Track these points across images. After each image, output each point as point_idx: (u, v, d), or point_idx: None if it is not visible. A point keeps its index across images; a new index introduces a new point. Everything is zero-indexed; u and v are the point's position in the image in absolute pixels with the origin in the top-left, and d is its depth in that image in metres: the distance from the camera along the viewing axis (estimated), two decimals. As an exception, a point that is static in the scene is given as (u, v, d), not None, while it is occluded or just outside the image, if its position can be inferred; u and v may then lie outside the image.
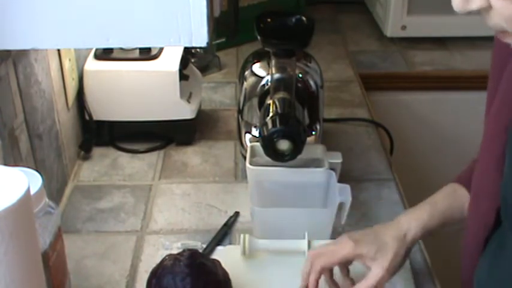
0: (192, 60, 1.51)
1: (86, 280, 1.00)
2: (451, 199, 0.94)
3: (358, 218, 1.14)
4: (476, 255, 0.84)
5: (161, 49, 1.33)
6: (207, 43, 0.79)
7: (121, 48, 1.30)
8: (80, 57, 1.31)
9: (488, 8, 0.60)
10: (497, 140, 0.79)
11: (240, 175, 1.27)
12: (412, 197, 1.25)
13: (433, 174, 1.83)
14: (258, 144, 1.08)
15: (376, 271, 0.89)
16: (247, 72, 1.21)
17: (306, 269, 0.92)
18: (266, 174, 1.08)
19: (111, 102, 1.31)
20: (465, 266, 0.88)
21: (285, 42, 1.12)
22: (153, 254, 1.05)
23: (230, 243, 1.08)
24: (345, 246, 0.91)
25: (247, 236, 1.01)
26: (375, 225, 0.96)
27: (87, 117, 1.31)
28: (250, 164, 1.09)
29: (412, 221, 0.93)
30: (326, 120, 1.33)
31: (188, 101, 1.34)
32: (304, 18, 1.14)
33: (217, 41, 1.75)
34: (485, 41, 1.90)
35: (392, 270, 0.90)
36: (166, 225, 1.13)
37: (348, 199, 1.01)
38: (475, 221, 0.85)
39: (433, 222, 0.93)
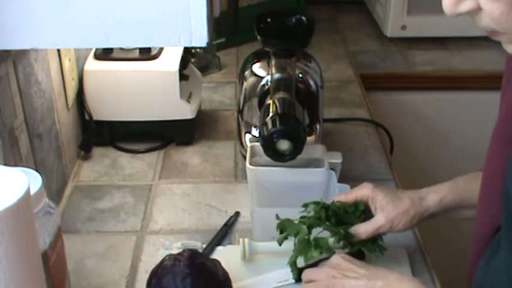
0: (192, 60, 1.51)
1: (85, 280, 1.00)
2: (472, 184, 0.94)
3: (358, 218, 1.14)
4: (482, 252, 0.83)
5: (161, 49, 1.33)
6: (207, 43, 0.79)
7: (121, 48, 1.30)
8: (80, 57, 1.31)
9: (478, 9, 0.60)
10: (509, 142, 0.77)
11: (240, 175, 1.27)
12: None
13: (433, 174, 1.82)
14: (258, 144, 1.08)
15: (379, 218, 0.95)
16: (247, 72, 1.21)
17: None
18: (266, 174, 1.08)
19: (111, 102, 1.31)
20: (472, 262, 0.87)
21: (285, 42, 1.12)
22: (153, 254, 1.05)
23: (230, 243, 1.08)
24: (365, 186, 0.98)
25: (246, 240, 1.01)
26: None
27: (87, 117, 1.31)
28: (250, 164, 1.09)
29: (432, 191, 0.97)
30: (326, 120, 1.33)
31: (188, 101, 1.34)
32: (304, 18, 1.14)
33: (217, 41, 1.75)
34: (485, 41, 1.89)
35: (395, 226, 0.96)
36: (166, 225, 1.13)
37: (348, 199, 1.01)
38: (483, 222, 0.84)
39: (451, 198, 0.96)
